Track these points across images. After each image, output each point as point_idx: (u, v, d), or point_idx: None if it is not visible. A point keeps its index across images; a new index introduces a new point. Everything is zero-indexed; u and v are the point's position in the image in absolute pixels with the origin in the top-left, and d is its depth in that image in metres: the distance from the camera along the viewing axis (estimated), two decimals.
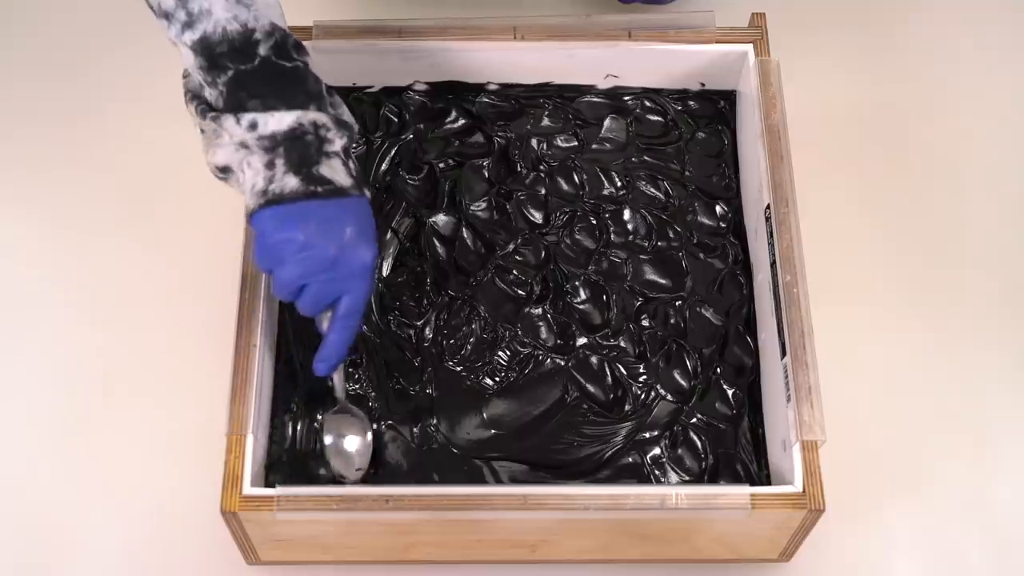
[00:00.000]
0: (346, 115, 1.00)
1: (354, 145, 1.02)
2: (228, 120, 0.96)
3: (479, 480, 1.07)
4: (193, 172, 1.26)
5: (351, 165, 0.99)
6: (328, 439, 1.06)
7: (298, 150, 0.96)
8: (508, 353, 1.12)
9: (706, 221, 1.19)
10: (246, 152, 0.96)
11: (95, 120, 1.30)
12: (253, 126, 0.96)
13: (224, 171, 0.98)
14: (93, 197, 1.26)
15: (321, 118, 0.97)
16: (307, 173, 0.96)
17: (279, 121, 0.96)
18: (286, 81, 0.97)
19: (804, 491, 0.99)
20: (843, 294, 1.20)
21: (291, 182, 0.96)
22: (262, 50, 0.97)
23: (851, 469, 1.11)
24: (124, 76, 1.33)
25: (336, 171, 0.98)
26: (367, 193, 1.00)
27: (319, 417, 1.08)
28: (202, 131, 0.99)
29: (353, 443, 1.07)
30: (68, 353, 1.19)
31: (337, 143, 0.98)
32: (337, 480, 1.06)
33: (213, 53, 0.96)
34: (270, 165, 0.96)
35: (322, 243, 0.96)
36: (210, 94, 0.98)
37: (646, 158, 1.21)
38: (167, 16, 0.96)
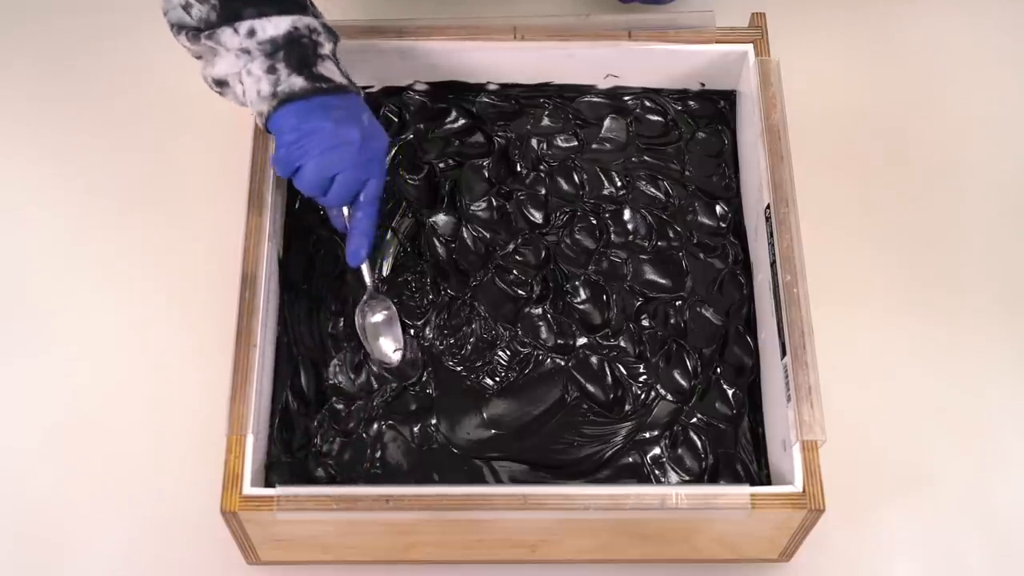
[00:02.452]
0: (328, 23, 1.06)
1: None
2: (225, 32, 1.00)
3: (479, 480, 1.07)
4: (193, 172, 1.27)
5: (342, 66, 1.05)
6: (374, 318, 1.10)
7: (297, 52, 1.01)
8: (508, 353, 1.12)
9: (706, 221, 1.19)
10: (247, 59, 1.01)
11: (95, 117, 1.30)
12: (251, 33, 1.00)
13: (221, 84, 1.03)
14: (93, 197, 1.26)
15: (313, 22, 1.03)
16: (309, 72, 1.02)
17: (276, 26, 1.01)
18: None
19: (804, 491, 0.99)
20: (843, 294, 1.20)
21: (297, 81, 1.01)
22: None
23: (851, 469, 1.11)
24: (124, 76, 1.33)
25: (332, 71, 1.03)
26: (359, 90, 1.06)
27: (333, 369, 1.11)
28: (198, 57, 1.03)
29: (391, 322, 1.11)
30: (68, 353, 1.19)
31: (327, 46, 1.04)
32: (382, 365, 1.10)
33: None
34: (271, 69, 1.01)
35: (349, 128, 1.02)
36: (198, 13, 1.01)
37: (646, 158, 1.21)
38: None
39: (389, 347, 1.11)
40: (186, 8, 1.01)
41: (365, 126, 1.03)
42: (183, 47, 1.04)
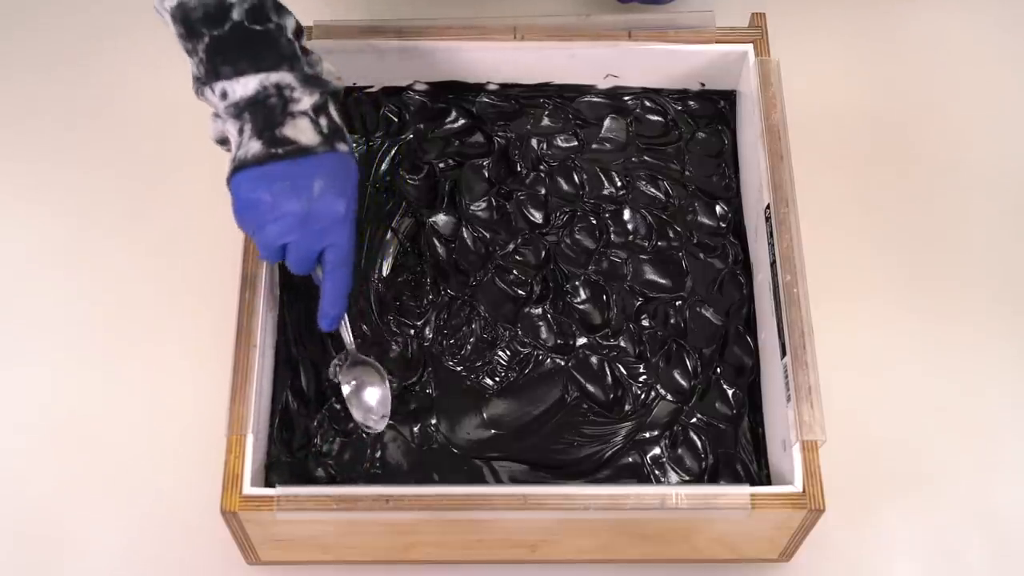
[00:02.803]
0: (325, 72, 1.02)
1: (337, 101, 1.04)
2: (207, 92, 1.00)
3: (479, 480, 1.07)
4: (192, 173, 1.27)
5: (322, 122, 1.00)
6: (347, 390, 1.08)
7: (262, 114, 0.98)
8: (508, 353, 1.12)
9: (706, 221, 1.19)
10: (221, 121, 1.00)
11: (95, 120, 1.30)
12: (224, 95, 0.99)
13: (223, 143, 1.02)
14: (93, 198, 1.26)
15: (286, 78, 0.99)
16: (269, 136, 0.98)
17: (244, 86, 0.98)
18: (257, 45, 0.99)
19: (804, 491, 0.99)
20: (843, 294, 1.20)
21: (254, 146, 0.98)
22: (235, 14, 0.98)
23: (851, 469, 1.11)
24: (125, 78, 1.33)
25: (301, 130, 0.99)
26: (341, 148, 1.01)
27: (333, 370, 1.09)
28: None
29: (374, 393, 1.09)
30: (68, 353, 1.19)
31: (305, 101, 0.99)
32: (363, 430, 1.08)
33: (190, 19, 0.98)
34: (240, 131, 0.99)
35: (288, 201, 0.98)
36: (191, 67, 1.00)
37: (646, 158, 1.21)
38: None
39: (374, 416, 1.08)
40: (189, 54, 1.00)
41: (314, 195, 0.98)
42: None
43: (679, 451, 1.09)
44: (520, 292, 1.15)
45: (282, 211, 0.98)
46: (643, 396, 1.11)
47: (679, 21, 1.19)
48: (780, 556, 1.09)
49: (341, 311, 1.05)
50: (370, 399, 1.08)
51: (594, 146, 1.22)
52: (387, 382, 1.09)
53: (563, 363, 1.12)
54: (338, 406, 1.09)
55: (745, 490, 0.99)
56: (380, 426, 1.08)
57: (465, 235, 1.17)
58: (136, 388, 1.17)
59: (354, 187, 1.02)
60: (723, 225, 1.18)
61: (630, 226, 1.18)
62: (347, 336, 1.08)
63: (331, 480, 1.07)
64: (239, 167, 0.99)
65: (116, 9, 1.35)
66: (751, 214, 1.17)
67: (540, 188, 1.20)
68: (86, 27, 1.35)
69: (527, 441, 1.09)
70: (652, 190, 1.20)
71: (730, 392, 1.11)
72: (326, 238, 1.01)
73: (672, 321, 1.14)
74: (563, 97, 1.24)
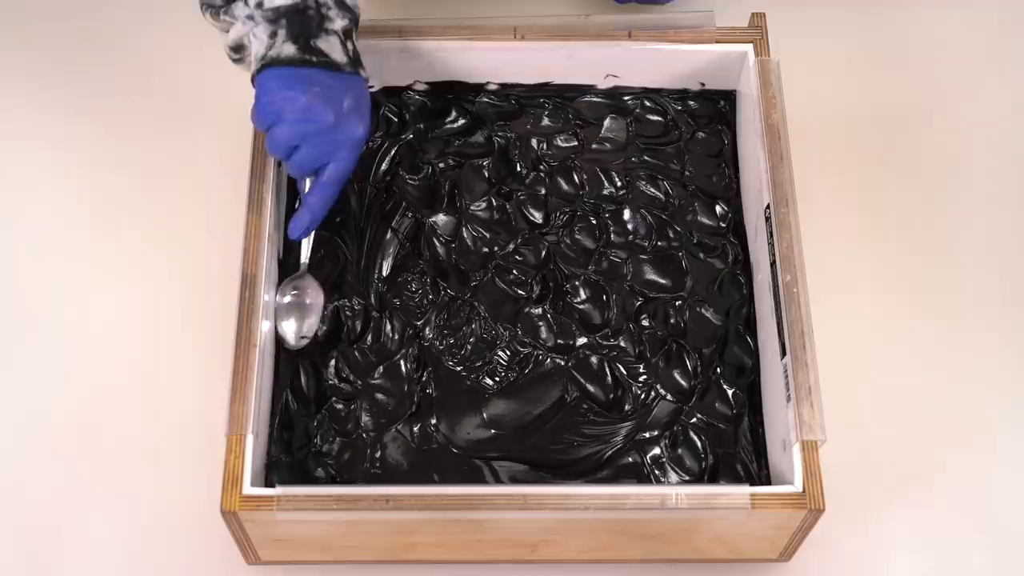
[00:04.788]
0: (349, 1, 1.06)
1: (356, 31, 1.08)
2: (238, 5, 1.04)
3: (479, 480, 1.07)
4: (193, 172, 1.27)
5: (349, 46, 1.06)
6: (285, 299, 1.10)
7: (299, 22, 1.04)
8: (508, 353, 1.12)
9: (706, 221, 1.19)
10: (252, 24, 1.03)
11: (95, 118, 1.30)
12: (259, 4, 1.04)
13: (237, 50, 1.07)
14: (93, 198, 1.26)
15: None
16: (304, 44, 1.04)
17: None
18: None
19: (804, 491, 0.99)
20: (843, 294, 1.20)
21: (288, 48, 1.03)
22: None
23: (851, 469, 1.11)
24: (125, 76, 1.33)
25: (333, 47, 1.05)
26: (363, 74, 1.07)
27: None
28: (224, 31, 1.07)
29: (306, 312, 1.11)
30: (68, 353, 1.19)
31: (337, 23, 1.05)
32: (284, 343, 1.09)
33: None
34: (272, 35, 1.04)
35: (322, 107, 1.03)
36: None
37: (646, 158, 1.21)
38: None
39: (296, 332, 1.10)
40: None
41: (343, 111, 1.04)
42: (209, 23, 1.08)
43: (679, 451, 1.09)
44: (520, 292, 1.15)
45: (312, 114, 1.03)
46: (643, 396, 1.11)
47: (679, 21, 1.19)
48: (780, 556, 1.09)
49: (313, 224, 1.08)
50: (300, 315, 1.10)
51: (594, 146, 1.22)
52: (322, 309, 1.11)
53: (563, 363, 1.12)
54: (339, 406, 1.10)
55: (745, 490, 0.99)
56: (300, 344, 1.10)
57: (465, 235, 1.17)
58: (136, 388, 1.17)
59: (371, 116, 1.08)
60: (723, 225, 1.18)
61: (630, 226, 1.18)
62: (305, 251, 1.11)
63: (331, 480, 1.07)
64: (270, 63, 1.03)
65: (119, 5, 1.35)
66: (751, 214, 1.17)
67: (540, 188, 1.20)
68: (89, 23, 1.35)
69: (527, 441, 1.09)
70: (652, 190, 1.20)
71: (730, 392, 1.11)
72: (337, 153, 1.05)
73: (672, 321, 1.14)
74: (563, 97, 1.24)
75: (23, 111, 1.31)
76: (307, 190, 1.08)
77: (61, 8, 1.36)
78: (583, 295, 1.15)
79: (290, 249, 1.14)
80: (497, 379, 1.11)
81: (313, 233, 1.11)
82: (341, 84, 1.05)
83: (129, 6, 1.36)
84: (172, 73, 1.32)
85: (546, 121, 1.23)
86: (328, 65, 1.04)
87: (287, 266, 1.13)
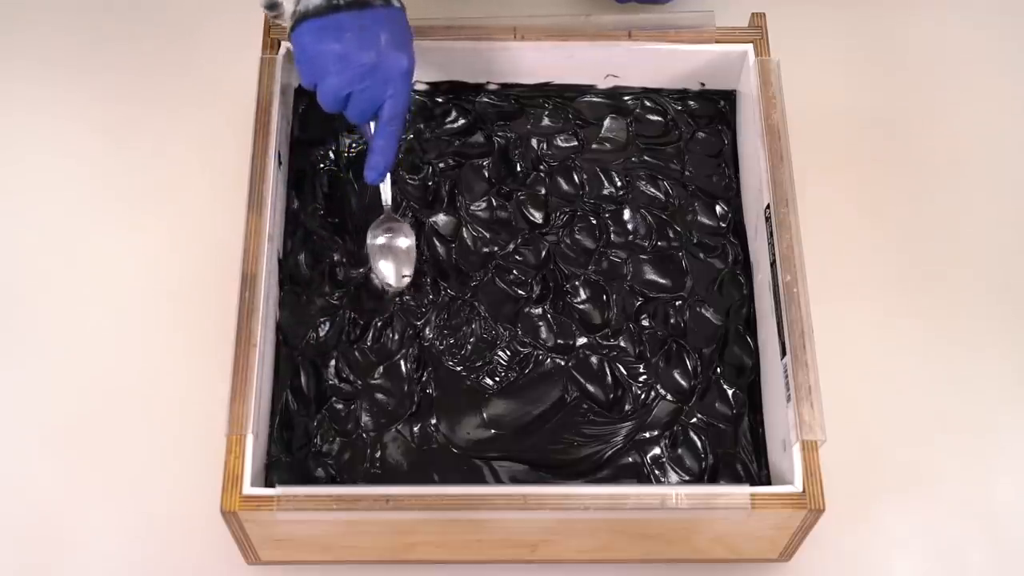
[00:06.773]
0: None
1: None
2: None
3: (479, 480, 1.07)
4: (193, 172, 1.27)
5: None
6: (380, 240, 1.12)
7: None
8: (508, 353, 1.12)
9: (706, 221, 1.19)
10: None
11: (95, 117, 1.30)
12: None
13: (272, 7, 1.06)
14: (93, 198, 1.26)
15: None
16: None
17: None
18: None
19: (804, 491, 0.99)
20: (843, 294, 1.20)
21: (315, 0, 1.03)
22: None
23: (851, 469, 1.11)
24: (125, 76, 1.32)
25: None
26: (398, 3, 1.06)
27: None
28: None
29: (401, 250, 1.12)
30: (68, 353, 1.19)
31: None
32: (383, 289, 1.11)
33: None
34: None
35: (357, 51, 1.03)
36: None
37: (646, 158, 1.21)
38: None
39: (398, 273, 1.12)
40: None
41: (381, 47, 1.03)
42: None
43: (679, 451, 1.09)
44: (520, 292, 1.15)
45: (351, 61, 1.03)
46: (643, 396, 1.11)
47: (679, 21, 1.19)
48: (780, 556, 1.09)
49: (388, 165, 1.09)
50: (397, 255, 1.12)
51: (594, 146, 1.22)
52: (413, 241, 1.12)
53: (563, 363, 1.12)
54: (339, 406, 1.10)
55: (745, 490, 0.99)
56: (403, 284, 1.11)
57: (465, 235, 1.17)
58: (136, 388, 1.17)
59: (412, 44, 1.06)
60: (723, 225, 1.19)
61: (630, 226, 1.18)
62: (386, 193, 1.12)
63: (331, 480, 1.07)
64: (301, 19, 1.03)
65: (119, 6, 1.35)
66: (751, 214, 1.17)
67: (540, 188, 1.20)
68: (90, 23, 1.35)
69: (527, 441, 1.09)
70: (652, 190, 1.20)
71: (730, 392, 1.11)
72: (389, 89, 1.05)
73: (672, 321, 1.14)
74: (563, 97, 1.24)
75: (23, 111, 1.31)
76: (372, 133, 1.08)
77: (61, 7, 1.36)
78: (583, 295, 1.15)
79: (290, 249, 1.14)
80: (497, 379, 1.11)
81: (389, 175, 1.11)
82: (374, 22, 1.04)
83: (129, 6, 1.36)
84: (172, 73, 1.32)
85: (546, 121, 1.23)
86: (358, 4, 1.03)
87: (287, 265, 1.14)
